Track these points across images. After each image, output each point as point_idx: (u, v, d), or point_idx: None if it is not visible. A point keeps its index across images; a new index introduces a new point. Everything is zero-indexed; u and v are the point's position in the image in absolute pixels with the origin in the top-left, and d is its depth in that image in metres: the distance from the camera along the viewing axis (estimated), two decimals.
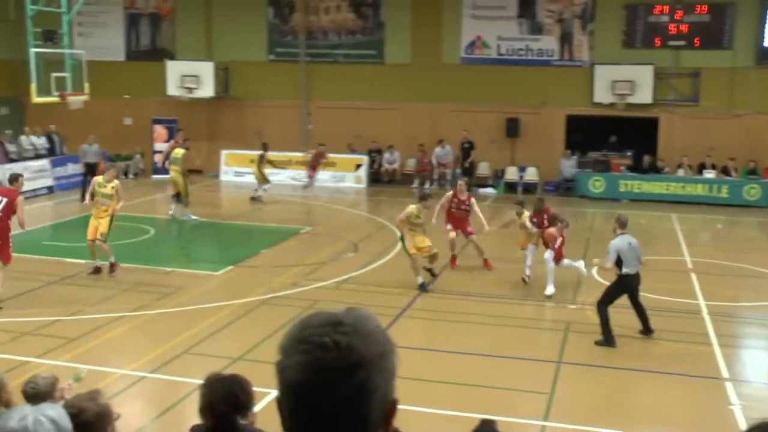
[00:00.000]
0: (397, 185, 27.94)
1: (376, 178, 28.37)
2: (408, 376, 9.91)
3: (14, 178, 14.01)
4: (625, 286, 11.97)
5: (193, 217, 20.90)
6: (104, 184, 15.67)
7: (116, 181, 15.90)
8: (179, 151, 21.32)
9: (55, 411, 2.88)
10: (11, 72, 29.45)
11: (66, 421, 2.91)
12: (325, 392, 1.63)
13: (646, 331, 12.25)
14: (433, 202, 15.92)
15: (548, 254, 14.42)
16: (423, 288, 14.68)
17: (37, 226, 19.00)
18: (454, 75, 27.56)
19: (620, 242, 11.89)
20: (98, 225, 15.46)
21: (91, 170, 23.75)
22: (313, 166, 25.90)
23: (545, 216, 14.83)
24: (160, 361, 11.15)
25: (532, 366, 11.35)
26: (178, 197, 20.95)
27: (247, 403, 4.78)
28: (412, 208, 15.09)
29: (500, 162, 27.72)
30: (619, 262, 11.85)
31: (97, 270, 15.58)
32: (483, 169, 27.72)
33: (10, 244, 13.43)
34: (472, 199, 17.07)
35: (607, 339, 11.88)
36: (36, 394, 5.81)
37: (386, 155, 28.34)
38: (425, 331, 12.77)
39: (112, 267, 15.53)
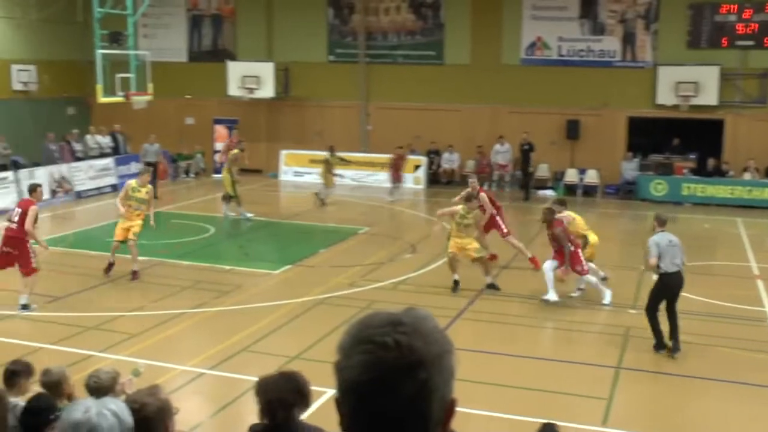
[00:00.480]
0: (456, 186, 27.80)
1: (434, 179, 28.30)
2: (466, 378, 9.86)
3: (33, 189, 14.09)
4: (666, 284, 11.52)
5: (249, 215, 21.06)
6: (139, 188, 15.73)
7: (149, 186, 16.08)
8: (233, 152, 21.67)
9: (116, 405, 2.93)
10: (79, 73, 30.14)
11: (127, 415, 2.96)
12: (387, 392, 1.63)
13: (674, 348, 11.51)
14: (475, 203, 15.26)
15: (549, 264, 14.00)
16: (456, 286, 14.50)
17: (101, 223, 19.38)
18: (513, 76, 27.36)
19: (659, 238, 11.53)
20: (131, 227, 15.53)
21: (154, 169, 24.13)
22: (396, 170, 25.49)
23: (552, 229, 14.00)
24: (219, 358, 11.28)
25: (590, 371, 11.20)
26: (227, 198, 21.17)
27: (305, 398, 4.80)
28: (458, 207, 14.90)
29: (560, 164, 27.43)
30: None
31: (110, 266, 15.61)
32: (542, 171, 27.46)
33: (31, 255, 13.38)
34: (482, 194, 16.09)
35: (658, 342, 11.61)
36: (98, 388, 5.93)
37: (445, 155, 28.26)
38: (483, 334, 12.68)
39: (135, 274, 15.49)
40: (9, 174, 22.88)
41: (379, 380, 1.63)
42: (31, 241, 13.50)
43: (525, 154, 25.94)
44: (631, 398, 10.44)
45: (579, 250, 13.86)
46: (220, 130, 29.92)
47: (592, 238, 14.71)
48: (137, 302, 13.95)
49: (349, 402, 1.68)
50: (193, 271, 16.13)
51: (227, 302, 14.10)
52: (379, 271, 16.39)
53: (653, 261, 11.41)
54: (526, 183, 25.99)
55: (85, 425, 2.80)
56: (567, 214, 14.60)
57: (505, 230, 16.22)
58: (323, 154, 25.10)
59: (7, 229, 13.58)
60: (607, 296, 13.93)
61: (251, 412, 8.78)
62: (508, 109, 27.35)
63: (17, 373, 5.91)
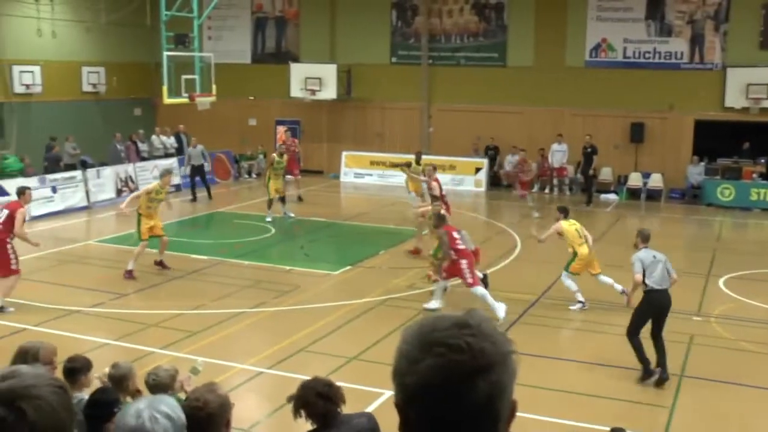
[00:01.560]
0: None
1: (495, 181, 28.10)
2: (525, 383, 9.74)
3: (21, 192, 14.16)
4: (652, 303, 10.63)
5: (269, 219, 20.96)
6: (161, 190, 16.16)
7: (168, 188, 16.61)
8: (272, 155, 21.88)
9: (167, 405, 2.94)
10: (145, 74, 30.76)
11: (179, 413, 2.97)
12: (461, 394, 1.63)
13: (661, 376, 10.52)
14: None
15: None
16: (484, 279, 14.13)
17: (165, 222, 19.66)
18: (577, 78, 27.01)
19: (644, 254, 10.74)
20: (154, 225, 15.97)
21: (196, 172, 24.36)
22: (521, 182, 24.49)
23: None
24: (277, 358, 11.36)
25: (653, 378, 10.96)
26: (283, 199, 21.31)
27: (338, 393, 4.95)
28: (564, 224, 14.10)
29: (623, 168, 26.99)
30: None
31: (160, 263, 16.15)
32: (605, 174, 27.04)
33: (11, 257, 13.39)
34: (434, 183, 17.81)
35: (646, 370, 10.61)
36: (157, 385, 6.02)
37: (507, 158, 28.03)
38: (542, 338, 12.52)
39: (162, 264, 16.14)
40: (77, 173, 23.40)
41: (454, 383, 1.63)
42: (13, 241, 13.46)
43: (587, 157, 25.57)
44: (695, 407, 10.20)
45: (462, 261, 13.25)
46: (282, 131, 30.18)
47: (582, 250, 13.92)
48: (198, 300, 14.13)
49: (417, 406, 1.67)
50: (254, 270, 16.28)
51: (287, 302, 14.19)
52: None
53: (638, 277, 10.62)
54: (588, 187, 25.61)
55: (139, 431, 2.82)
56: (558, 225, 14.09)
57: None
58: (391, 155, 24.88)
59: None
60: (500, 311, 12.95)
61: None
62: (571, 111, 27.03)
63: (76, 369, 6.03)
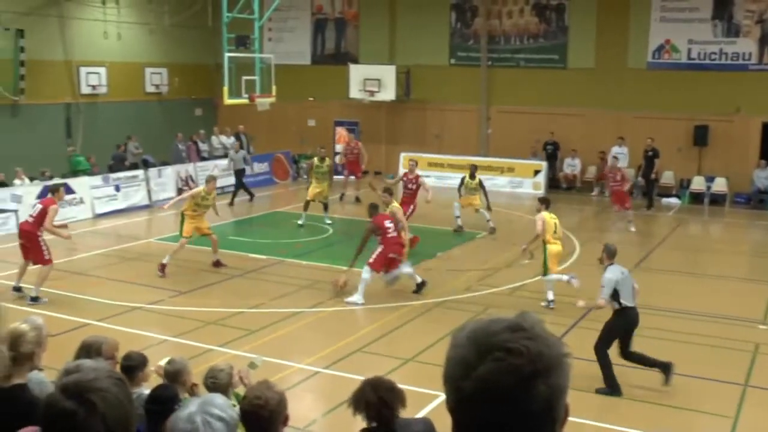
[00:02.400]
0: (576, 192, 27.26)
1: (554, 184, 27.79)
2: (584, 389, 9.61)
3: (55, 189, 14.77)
4: (629, 319, 10.34)
5: (328, 222, 20.88)
6: (207, 196, 16.40)
7: (215, 192, 16.81)
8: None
9: (218, 407, 2.94)
10: (206, 75, 31.19)
11: (231, 412, 2.98)
12: (521, 398, 1.63)
13: (666, 374, 10.29)
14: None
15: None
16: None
17: (225, 222, 19.91)
18: (639, 80, 26.57)
19: (613, 273, 10.30)
20: (200, 226, 16.25)
21: (240, 176, 24.33)
22: (617, 194, 21.32)
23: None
24: (334, 358, 11.38)
25: (716, 387, 10.73)
26: (325, 206, 21.00)
27: (400, 396, 4.94)
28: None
29: (686, 171, 26.46)
30: (614, 296, 10.30)
31: (216, 263, 16.37)
32: (667, 178, 26.54)
33: (43, 249, 13.97)
34: (421, 179, 19.63)
35: (611, 386, 10.21)
36: (217, 387, 6.09)
37: (567, 161, 27.71)
38: None
39: (219, 263, 16.36)
40: (140, 172, 23.81)
41: (513, 388, 1.62)
42: (45, 235, 14.05)
43: (649, 160, 25.10)
44: (759, 418, 9.93)
45: (382, 247, 14.22)
46: (341, 132, 30.31)
47: (552, 248, 13.91)
48: (257, 299, 14.24)
49: (475, 411, 1.66)
50: (312, 270, 16.36)
51: (344, 303, 14.21)
52: (496, 276, 16.21)
53: (602, 302, 10.31)
54: (650, 191, 25.12)
55: None
56: (541, 215, 14.08)
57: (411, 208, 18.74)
58: (449, 157, 24.72)
59: (23, 223, 14.38)
60: (360, 299, 13.86)
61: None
62: (632, 114, 26.60)
63: (132, 367, 6.12)
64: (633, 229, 20.55)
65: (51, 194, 14.58)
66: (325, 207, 21.03)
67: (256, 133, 29.75)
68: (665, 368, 10.29)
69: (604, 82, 26.85)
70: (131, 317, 13.20)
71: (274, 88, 24.39)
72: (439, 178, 28.59)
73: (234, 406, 4.27)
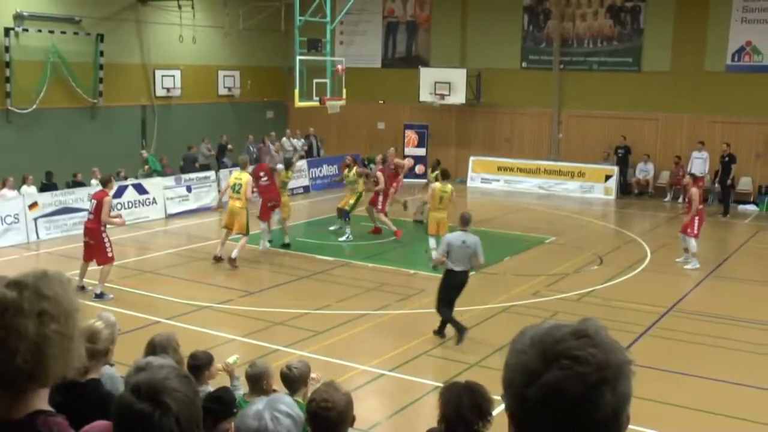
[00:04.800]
0: (648, 198, 26.73)
1: (626, 189, 27.30)
2: (651, 398, 9.40)
3: (107, 181, 14.92)
4: (449, 281, 12.06)
5: (334, 228, 20.42)
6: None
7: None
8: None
9: (286, 405, 2.96)
10: (278, 78, 31.55)
11: (298, 411, 2.99)
12: (588, 406, 1.61)
13: (439, 332, 12.27)
14: None
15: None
16: None
17: (293, 223, 20.08)
18: (717, 83, 25.89)
19: (453, 237, 12.06)
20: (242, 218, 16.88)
21: None
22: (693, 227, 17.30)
23: None
24: (399, 361, 11.38)
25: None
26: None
27: (484, 417, 4.81)
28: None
29: (765, 177, 25.70)
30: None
31: (231, 261, 16.49)
32: (744, 184, 25.82)
33: (106, 246, 14.22)
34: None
35: (459, 329, 12.02)
36: (293, 381, 6.15)
37: (640, 165, 27.19)
38: (669, 352, 12.03)
39: (233, 261, 16.51)
40: (211, 173, 24.20)
41: (580, 396, 1.60)
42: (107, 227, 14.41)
43: (725, 166, 24.46)
44: None
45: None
46: (411, 135, 30.33)
47: (436, 214, 17.01)
48: (324, 301, 14.32)
49: (539, 419, 1.65)
50: (379, 273, 16.39)
51: (410, 305, 14.22)
52: (564, 281, 16.00)
53: (438, 257, 12.38)
54: (726, 197, 24.45)
55: None
56: (433, 185, 17.28)
57: (379, 207, 19.48)
58: (519, 161, 24.23)
59: (86, 222, 14.67)
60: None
61: (427, 416, 8.78)
62: (709, 118, 25.97)
63: (198, 366, 6.20)
64: (689, 266, 17.12)
65: (102, 186, 14.85)
66: (340, 213, 19.89)
67: (326, 135, 30.00)
68: (461, 331, 12.02)
69: (679, 86, 26.28)
70: (200, 316, 13.42)
71: (344, 91, 24.54)
72: (509, 182, 28.43)
73: (300, 404, 4.29)
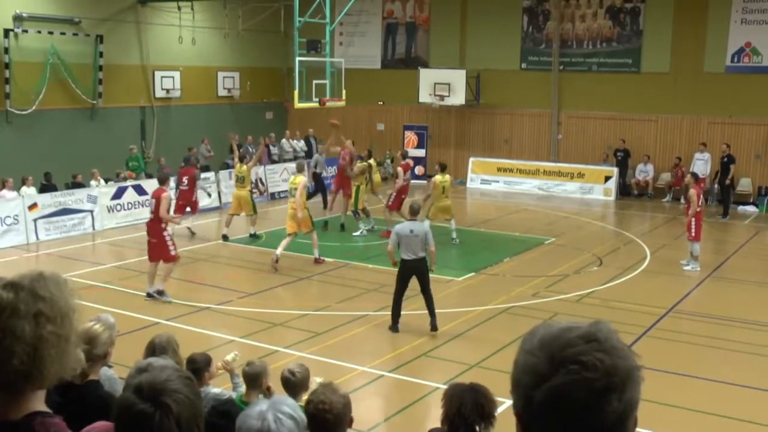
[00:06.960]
0: (648, 199, 26.73)
1: (625, 190, 27.29)
2: (647, 398, 9.38)
3: (163, 179, 15.03)
4: (401, 270, 12.42)
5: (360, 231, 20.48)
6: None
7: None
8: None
9: (289, 406, 2.96)
10: (278, 80, 31.58)
11: (300, 413, 3.00)
12: (594, 412, 1.60)
13: (433, 326, 12.40)
14: None
15: None
16: None
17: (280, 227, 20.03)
18: (716, 85, 25.90)
19: (401, 227, 12.42)
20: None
21: (317, 179, 23.81)
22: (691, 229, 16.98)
23: None
24: (399, 362, 11.38)
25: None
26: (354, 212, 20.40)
27: (487, 418, 4.79)
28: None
29: (764, 179, 25.71)
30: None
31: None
32: (744, 185, 25.83)
33: (169, 244, 14.20)
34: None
35: (394, 321, 12.57)
36: (294, 386, 6.14)
37: (639, 167, 27.18)
38: (668, 353, 12.03)
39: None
40: (211, 175, 24.19)
41: (586, 401, 1.59)
42: (170, 228, 14.50)
43: (724, 167, 24.45)
44: None
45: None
46: (410, 136, 30.33)
47: (439, 203, 18.62)
48: (323, 302, 14.32)
49: (545, 422, 1.64)
50: (378, 274, 16.37)
51: (409, 307, 14.16)
52: (563, 282, 16.00)
53: (389, 248, 12.74)
54: (725, 198, 24.45)
55: None
56: (434, 178, 18.79)
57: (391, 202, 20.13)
58: (519, 162, 24.29)
59: (148, 221, 14.64)
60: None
61: (428, 417, 8.79)
62: (708, 119, 25.99)
63: (198, 369, 6.19)
64: (688, 267, 17.09)
65: (160, 184, 14.92)
66: (355, 213, 20.33)
67: (325, 136, 29.94)
68: (394, 324, 12.58)
69: (679, 87, 26.29)
70: (200, 317, 13.41)
71: (344, 92, 24.53)
72: (509, 184, 28.44)
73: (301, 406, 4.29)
